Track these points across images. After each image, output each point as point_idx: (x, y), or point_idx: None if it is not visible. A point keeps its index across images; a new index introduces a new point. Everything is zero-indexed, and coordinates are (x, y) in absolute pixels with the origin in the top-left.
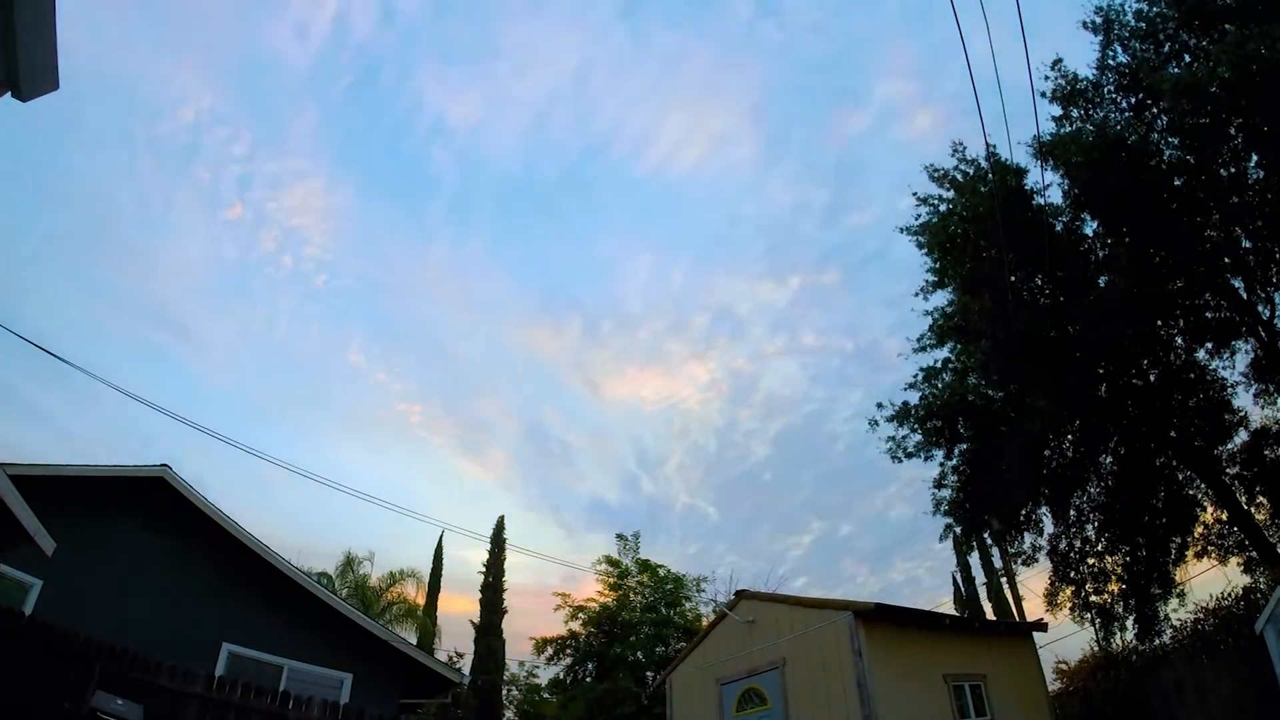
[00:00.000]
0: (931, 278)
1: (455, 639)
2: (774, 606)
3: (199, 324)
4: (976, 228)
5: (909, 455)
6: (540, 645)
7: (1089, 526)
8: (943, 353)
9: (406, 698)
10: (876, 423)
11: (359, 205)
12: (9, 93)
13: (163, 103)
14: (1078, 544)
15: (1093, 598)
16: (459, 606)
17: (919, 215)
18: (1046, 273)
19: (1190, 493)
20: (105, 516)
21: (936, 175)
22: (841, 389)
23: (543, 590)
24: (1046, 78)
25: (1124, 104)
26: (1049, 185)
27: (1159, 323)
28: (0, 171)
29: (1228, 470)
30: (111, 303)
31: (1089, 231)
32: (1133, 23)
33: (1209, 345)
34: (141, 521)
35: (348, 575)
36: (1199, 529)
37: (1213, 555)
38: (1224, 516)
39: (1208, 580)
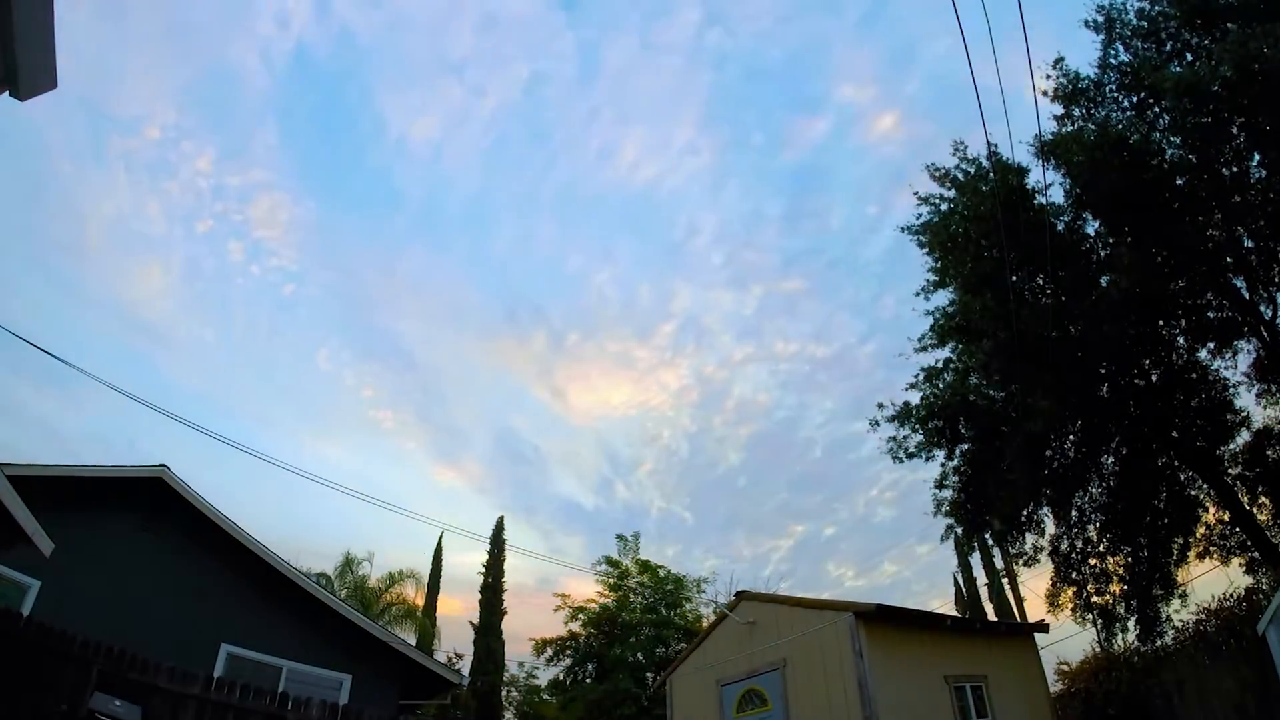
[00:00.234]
0: (932, 277)
1: (455, 640)
2: (774, 607)
3: (174, 330)
4: (978, 227)
5: (910, 455)
6: (540, 646)
7: (1090, 527)
8: (944, 352)
9: (406, 699)
10: (877, 423)
11: (325, 218)
12: (7, 92)
13: (131, 118)
14: (1079, 544)
15: (1094, 598)
16: (458, 608)
17: (920, 214)
18: (1048, 272)
19: (1192, 493)
20: (103, 517)
21: (938, 174)
22: (813, 395)
23: (535, 592)
24: (1048, 76)
25: (1126, 103)
26: (1050, 185)
27: (1161, 322)
28: None
29: (1229, 471)
30: (88, 306)
31: (1090, 231)
32: (1134, 21)
33: (1211, 345)
34: (140, 522)
35: (347, 576)
36: (1201, 529)
37: (1215, 556)
38: (1226, 517)
39: (1210, 581)
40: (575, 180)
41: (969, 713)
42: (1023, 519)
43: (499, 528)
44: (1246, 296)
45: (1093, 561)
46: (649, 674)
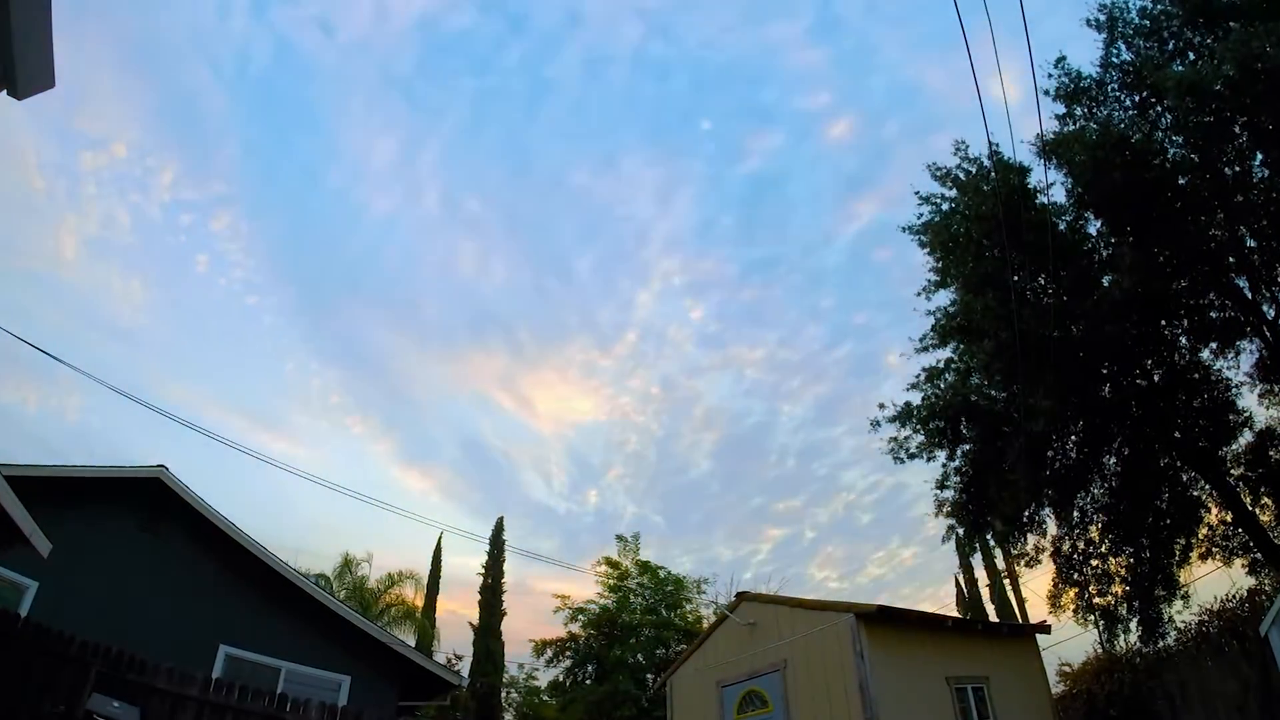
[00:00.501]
0: (934, 277)
1: (454, 641)
2: (775, 609)
3: (150, 337)
4: (979, 227)
5: (911, 456)
6: (540, 647)
7: (1092, 528)
8: (945, 352)
9: (405, 700)
10: (878, 424)
11: (286, 233)
12: (4, 91)
13: (95, 136)
14: (1081, 545)
15: (1096, 599)
16: (456, 609)
17: (921, 214)
18: (1050, 272)
19: (1194, 494)
20: (102, 517)
21: (939, 174)
22: (783, 402)
23: (529, 592)
24: (1050, 75)
25: (1128, 102)
26: (1052, 184)
27: (1163, 322)
28: None
29: (1232, 471)
30: (67, 316)
31: (1092, 230)
32: (1136, 20)
33: (1213, 345)
34: (138, 523)
35: (345, 577)
36: (1203, 530)
37: (1217, 557)
38: (1228, 518)
39: (1212, 582)
40: (529, 195)
41: (970, 714)
42: (1024, 519)
43: (498, 529)
44: (1249, 296)
45: (1094, 562)
46: (649, 675)
